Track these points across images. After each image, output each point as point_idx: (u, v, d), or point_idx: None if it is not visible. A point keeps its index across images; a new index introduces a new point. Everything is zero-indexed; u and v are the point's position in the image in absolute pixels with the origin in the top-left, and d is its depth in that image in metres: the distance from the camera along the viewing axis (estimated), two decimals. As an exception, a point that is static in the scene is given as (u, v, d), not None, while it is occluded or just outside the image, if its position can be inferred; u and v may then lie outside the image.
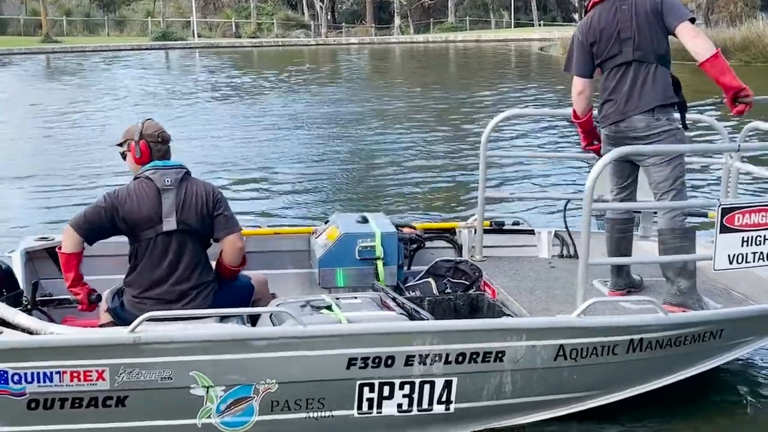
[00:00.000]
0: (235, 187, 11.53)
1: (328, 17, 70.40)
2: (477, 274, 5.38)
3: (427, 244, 5.95)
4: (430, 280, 5.32)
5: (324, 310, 4.21)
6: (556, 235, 6.19)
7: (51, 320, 3.94)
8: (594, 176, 4.28)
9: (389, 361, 4.06)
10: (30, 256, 5.08)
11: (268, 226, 6.96)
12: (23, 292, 4.44)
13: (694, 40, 4.76)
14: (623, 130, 4.99)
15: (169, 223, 4.23)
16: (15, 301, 4.16)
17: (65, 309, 4.76)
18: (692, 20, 4.87)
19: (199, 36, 60.74)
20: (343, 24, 71.80)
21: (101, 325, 4.33)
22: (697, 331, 4.66)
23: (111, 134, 16.06)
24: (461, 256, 5.87)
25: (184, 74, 34.15)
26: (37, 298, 4.56)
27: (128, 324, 3.99)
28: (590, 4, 5.18)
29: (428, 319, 4.35)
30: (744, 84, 4.71)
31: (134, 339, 3.65)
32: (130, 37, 59.36)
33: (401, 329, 4.16)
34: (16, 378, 3.54)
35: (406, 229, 5.71)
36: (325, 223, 5.52)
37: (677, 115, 5.05)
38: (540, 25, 65.24)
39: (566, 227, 6.20)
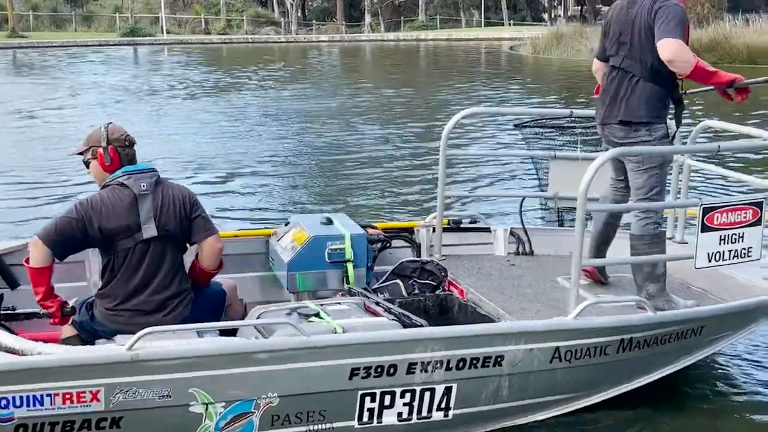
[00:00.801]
0: (190, 187, 11.31)
1: (299, 14, 70.36)
2: (443, 274, 5.38)
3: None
4: (399, 281, 5.28)
5: (313, 318, 4.14)
6: (512, 233, 6.20)
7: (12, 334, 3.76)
8: (588, 179, 4.28)
9: (392, 370, 4.04)
10: None
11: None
12: None
13: (672, 60, 4.78)
14: (607, 135, 5.19)
15: (149, 230, 4.12)
16: None
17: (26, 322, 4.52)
18: (681, 29, 4.82)
19: (167, 32, 60.09)
20: (314, 21, 71.68)
21: (63, 340, 4.18)
22: (680, 329, 4.77)
23: (78, 131, 15.99)
24: (419, 255, 5.86)
25: (152, 71, 34.03)
26: (1, 312, 4.28)
27: (96, 337, 4.11)
28: None
29: (423, 325, 4.33)
30: (733, 75, 4.91)
31: (132, 357, 3.53)
32: (97, 33, 58.85)
33: (405, 337, 4.13)
34: (3, 403, 3.41)
35: (370, 230, 5.64)
36: (286, 224, 5.45)
37: (661, 125, 5.09)
38: (510, 24, 65.40)
39: (522, 225, 6.27)
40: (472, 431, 4.50)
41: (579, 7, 72.15)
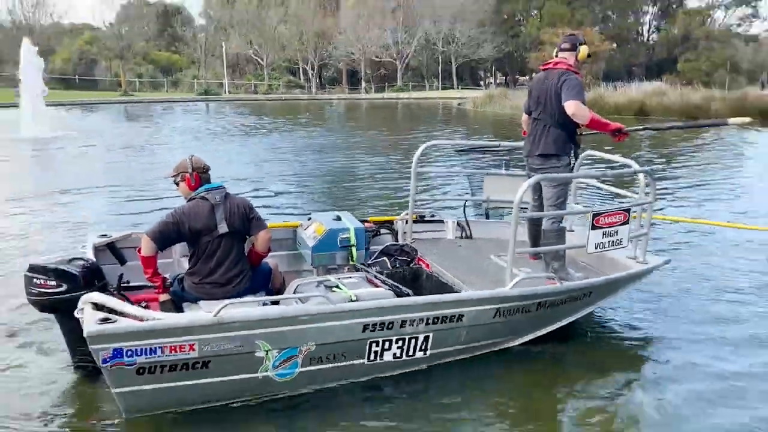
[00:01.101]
0: (244, 195, 11.42)
1: (317, 80, 70.31)
2: (415, 253, 5.36)
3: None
4: (385, 258, 5.26)
5: (335, 289, 4.22)
6: (458, 224, 6.23)
7: (129, 302, 3.81)
8: (521, 194, 4.47)
9: (390, 325, 4.14)
10: (96, 250, 4.85)
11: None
12: (107, 283, 4.22)
13: (575, 112, 4.93)
14: (530, 163, 5.30)
15: (222, 228, 4.22)
16: (103, 289, 4.01)
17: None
18: (580, 95, 5.00)
19: (229, 92, 60.48)
20: (327, 85, 71.62)
21: (161, 303, 4.30)
22: (576, 294, 4.94)
23: (171, 160, 16.00)
24: (397, 240, 5.86)
25: (218, 118, 33.74)
26: (121, 285, 4.35)
27: (183, 301, 4.30)
28: (545, 65, 5.37)
29: (410, 294, 4.43)
30: (619, 124, 5.18)
31: (218, 320, 3.59)
32: (182, 92, 58.70)
33: (400, 303, 4.21)
34: (128, 353, 3.48)
35: (365, 223, 5.65)
36: (308, 219, 5.44)
37: (566, 157, 5.21)
38: (459, 88, 65.36)
39: (465, 218, 6.29)
40: (439, 361, 4.57)
41: (504, 78, 72.27)
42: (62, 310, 3.91)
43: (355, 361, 4.17)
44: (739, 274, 6.85)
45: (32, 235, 8.39)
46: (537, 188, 5.37)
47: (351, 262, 5.06)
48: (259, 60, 68.33)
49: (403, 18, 65.05)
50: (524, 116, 5.51)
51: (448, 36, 65.46)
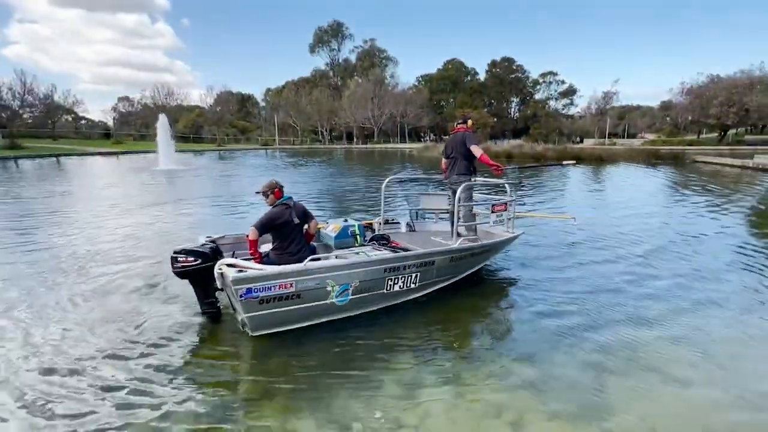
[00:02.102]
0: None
1: (329, 137, 69.51)
2: (389, 238, 5.14)
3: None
4: (375, 242, 5.05)
5: (362, 253, 4.20)
6: (407, 224, 5.89)
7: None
8: (457, 199, 4.53)
9: (397, 268, 4.06)
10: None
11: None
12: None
13: (474, 152, 4.94)
14: (451, 182, 5.18)
15: (295, 220, 4.05)
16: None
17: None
18: (477, 143, 4.98)
19: (278, 144, 59.19)
20: (335, 140, 70.65)
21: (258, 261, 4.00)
22: (486, 248, 4.87)
23: (246, 182, 15.87)
24: (374, 233, 5.59)
25: (271, 159, 33.16)
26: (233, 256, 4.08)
27: (268, 264, 3.78)
28: (453, 130, 5.23)
29: (406, 250, 4.37)
30: (498, 164, 4.94)
31: (306, 267, 3.55)
32: (250, 144, 57.71)
33: (403, 255, 4.13)
34: (255, 290, 3.43)
35: (364, 222, 5.49)
36: (326, 222, 5.18)
37: (471, 177, 5.12)
38: (408, 142, 64.84)
39: (411, 220, 6.02)
40: (425, 291, 4.48)
41: (434, 136, 72.29)
42: (197, 276, 3.74)
43: (378, 291, 4.03)
44: (561, 242, 6.94)
45: (157, 229, 7.94)
46: (454, 194, 5.17)
47: (357, 244, 4.88)
48: (295, 126, 67.27)
49: (377, 103, 64.60)
50: (444, 159, 5.36)
51: (403, 112, 65.17)
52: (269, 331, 3.63)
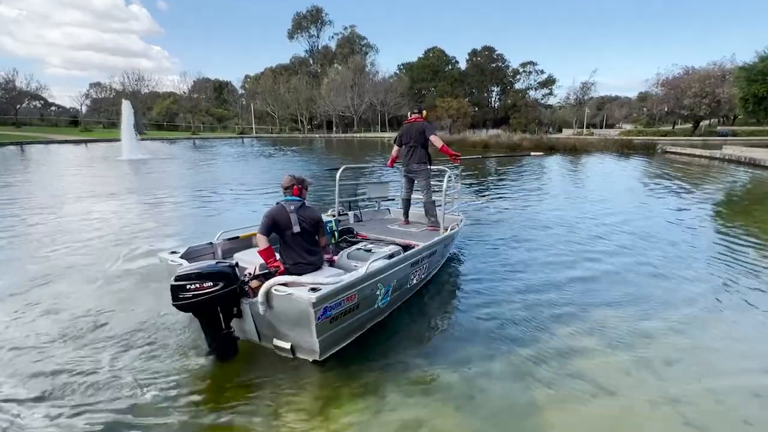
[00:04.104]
0: (260, 193, 10.81)
1: (308, 126, 68.48)
2: (356, 232, 5.01)
3: None
4: (346, 236, 4.88)
5: (373, 251, 4.02)
6: (354, 215, 5.71)
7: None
8: (446, 184, 4.59)
9: (418, 261, 3.98)
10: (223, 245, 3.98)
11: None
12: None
13: (435, 142, 4.97)
14: (409, 170, 5.23)
15: (295, 229, 3.37)
16: (242, 282, 3.09)
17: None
18: (435, 133, 5.09)
19: (255, 132, 57.94)
20: (314, 129, 69.77)
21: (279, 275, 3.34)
22: (449, 239, 4.77)
23: (221, 172, 15.13)
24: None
25: (248, 147, 32.47)
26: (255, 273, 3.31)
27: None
28: (406, 121, 5.26)
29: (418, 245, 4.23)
30: (456, 153, 5.17)
31: (367, 273, 3.17)
32: (228, 132, 56.42)
33: (422, 248, 4.04)
34: (329, 309, 2.90)
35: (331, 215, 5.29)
36: None
37: (428, 165, 5.19)
38: (388, 131, 64.70)
39: (359, 210, 5.84)
40: (431, 273, 4.53)
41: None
42: (214, 305, 2.87)
43: (406, 287, 3.91)
44: (505, 223, 7.08)
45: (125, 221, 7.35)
46: (410, 182, 5.36)
47: (332, 241, 4.70)
48: (273, 114, 65.96)
49: (357, 91, 63.70)
50: (396, 147, 5.35)
51: (383, 101, 64.51)
52: (331, 353, 3.13)
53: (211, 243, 3.87)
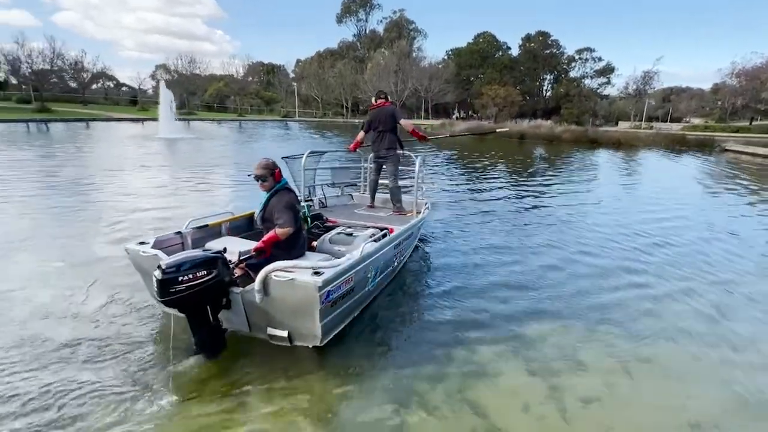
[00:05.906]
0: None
1: (351, 111, 69.00)
2: (326, 217, 4.85)
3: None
4: (317, 222, 4.73)
5: (354, 234, 3.99)
6: (319, 200, 5.56)
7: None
8: (417, 168, 4.80)
9: (400, 243, 4.04)
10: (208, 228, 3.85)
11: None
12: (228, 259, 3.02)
13: (405, 126, 5.14)
14: (378, 155, 5.25)
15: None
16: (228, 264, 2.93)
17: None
18: (405, 117, 5.16)
19: (298, 116, 59.06)
20: (357, 114, 69.80)
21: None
22: (420, 224, 4.83)
23: (262, 152, 15.45)
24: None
25: (292, 129, 33.16)
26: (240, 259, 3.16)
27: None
28: (372, 107, 5.23)
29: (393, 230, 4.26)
30: (425, 135, 5.31)
31: (362, 256, 3.18)
32: (273, 114, 58.00)
33: (404, 230, 4.13)
34: (331, 293, 2.82)
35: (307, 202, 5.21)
36: None
37: (399, 150, 5.21)
38: (429, 118, 63.44)
39: (324, 196, 5.71)
40: (405, 256, 4.54)
41: (460, 113, 69.86)
42: (203, 297, 2.59)
43: (389, 269, 3.93)
44: (470, 207, 7.20)
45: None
46: (378, 167, 5.39)
47: (306, 227, 4.52)
48: (317, 98, 66.84)
49: (401, 77, 62.91)
50: (361, 133, 5.30)
51: (427, 88, 63.25)
52: (330, 338, 3.04)
53: (179, 232, 3.52)
